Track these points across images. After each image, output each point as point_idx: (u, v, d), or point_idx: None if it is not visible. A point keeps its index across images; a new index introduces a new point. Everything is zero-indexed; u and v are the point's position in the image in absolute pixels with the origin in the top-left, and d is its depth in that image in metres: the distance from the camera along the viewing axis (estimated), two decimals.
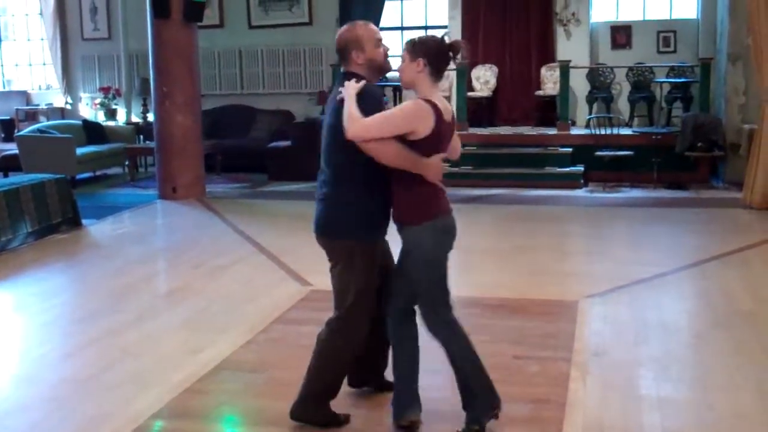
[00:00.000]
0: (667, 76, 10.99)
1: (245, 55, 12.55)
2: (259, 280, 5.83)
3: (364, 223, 3.20)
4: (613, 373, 3.95)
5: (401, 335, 3.33)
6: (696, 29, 11.28)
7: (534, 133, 10.70)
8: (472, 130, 10.52)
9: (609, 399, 3.63)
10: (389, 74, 3.52)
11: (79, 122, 12.02)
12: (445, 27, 12.15)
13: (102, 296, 5.59)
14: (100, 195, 10.05)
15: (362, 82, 3.15)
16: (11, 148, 11.04)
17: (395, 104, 9.18)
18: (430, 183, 3.14)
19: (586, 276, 5.81)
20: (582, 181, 9.78)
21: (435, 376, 3.56)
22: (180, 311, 5.15)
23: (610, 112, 10.72)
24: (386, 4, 10.82)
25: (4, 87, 14.47)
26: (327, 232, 3.27)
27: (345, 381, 3.48)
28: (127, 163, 11.44)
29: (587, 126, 10.33)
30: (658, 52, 11.44)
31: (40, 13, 13.72)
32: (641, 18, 11.74)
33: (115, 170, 11.76)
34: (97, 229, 7.95)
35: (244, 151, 11.30)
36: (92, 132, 11.66)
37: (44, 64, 14.18)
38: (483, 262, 6.35)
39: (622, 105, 11.46)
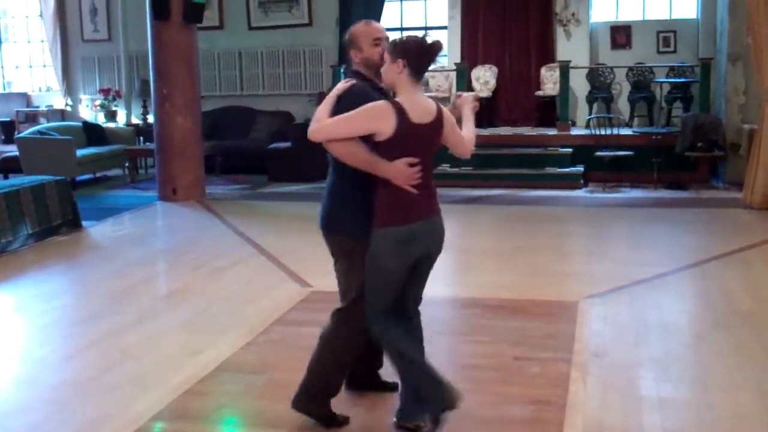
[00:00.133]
0: (667, 76, 11.00)
1: (245, 57, 12.56)
2: (259, 282, 5.83)
3: (364, 222, 3.20)
4: (614, 373, 3.94)
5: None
6: (696, 29, 11.28)
7: (534, 133, 10.70)
8: None
9: (609, 400, 3.63)
10: None
11: (80, 124, 12.04)
12: (444, 28, 12.19)
13: (102, 298, 5.59)
14: (101, 197, 10.06)
15: (350, 83, 3.19)
16: (11, 150, 11.05)
17: None
18: (400, 188, 3.07)
19: (587, 276, 5.81)
20: (582, 181, 9.78)
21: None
22: (180, 313, 5.15)
23: (610, 113, 10.73)
24: (386, 4, 10.84)
25: (4, 89, 14.48)
26: (328, 228, 3.31)
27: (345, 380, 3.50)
28: (127, 164, 11.45)
29: (587, 126, 10.33)
30: (658, 52, 11.45)
31: (40, 15, 13.73)
32: (641, 18, 11.75)
33: (116, 172, 11.77)
34: (97, 230, 7.95)
35: (244, 152, 11.30)
36: (92, 134, 11.67)
37: (44, 65, 14.19)
38: (483, 262, 6.35)
39: (622, 105, 11.46)
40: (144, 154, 11.48)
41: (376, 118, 3.04)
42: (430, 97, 3.47)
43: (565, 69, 10.38)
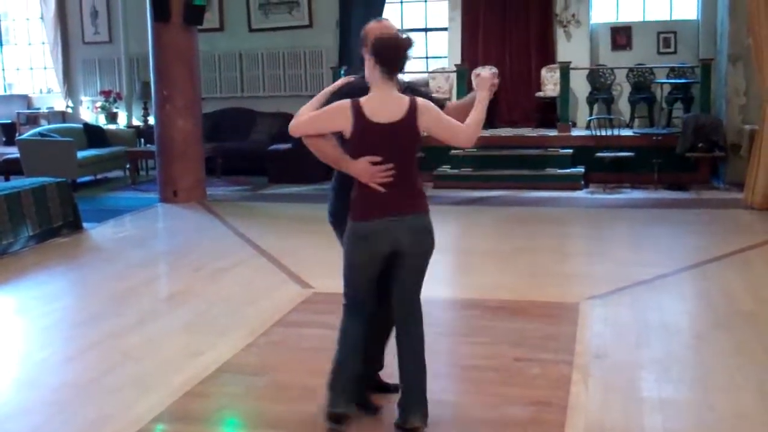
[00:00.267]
0: (668, 77, 11.00)
1: (245, 58, 12.56)
2: (259, 283, 5.83)
3: None
4: (615, 374, 3.94)
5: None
6: (696, 30, 11.28)
7: (534, 134, 10.70)
8: None
9: (610, 401, 3.63)
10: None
11: (80, 126, 12.03)
12: (445, 29, 12.20)
13: (103, 300, 5.59)
14: (101, 198, 10.06)
15: (347, 80, 3.28)
16: (12, 152, 11.04)
17: None
18: (365, 185, 3.14)
19: (587, 277, 5.81)
20: (582, 182, 9.78)
21: (438, 379, 3.57)
22: (181, 314, 5.15)
23: (611, 114, 10.72)
24: (386, 6, 10.84)
25: (5, 91, 14.48)
26: (334, 224, 3.46)
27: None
28: (128, 166, 11.44)
29: (588, 127, 10.32)
30: (659, 53, 11.44)
31: (41, 18, 13.73)
32: (641, 19, 11.75)
33: (116, 173, 11.77)
34: (98, 232, 7.96)
35: (245, 153, 11.31)
36: (93, 135, 11.67)
37: (45, 68, 14.19)
38: (483, 263, 6.35)
39: (623, 106, 11.46)
40: (145, 156, 11.48)
41: (335, 117, 3.14)
42: (432, 97, 3.47)
43: (565, 70, 10.39)
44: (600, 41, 11.71)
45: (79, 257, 7.08)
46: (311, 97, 3.36)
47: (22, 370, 4.34)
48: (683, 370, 4.05)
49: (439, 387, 3.55)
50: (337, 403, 3.25)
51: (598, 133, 9.67)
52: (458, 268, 6.44)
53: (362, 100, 3.14)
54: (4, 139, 13.72)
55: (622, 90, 11.42)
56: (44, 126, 12.36)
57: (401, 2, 12.49)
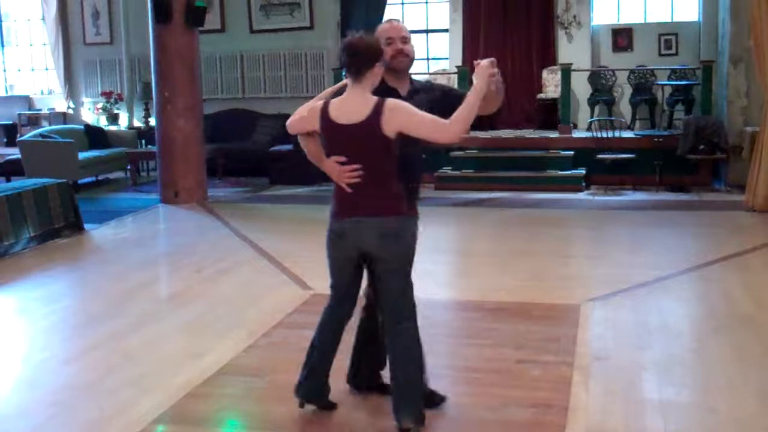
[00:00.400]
0: (669, 78, 11.00)
1: (246, 60, 12.56)
2: (260, 284, 5.83)
3: None
4: (616, 377, 3.94)
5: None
6: (697, 31, 11.29)
7: (535, 136, 10.70)
8: (473, 134, 10.46)
9: (611, 403, 3.62)
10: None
11: (81, 127, 12.05)
12: (446, 30, 12.20)
13: (104, 300, 5.59)
14: (102, 199, 10.07)
15: (345, 80, 3.28)
16: (14, 153, 11.05)
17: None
18: (338, 184, 3.22)
19: (588, 279, 5.81)
20: (583, 184, 9.78)
21: (439, 381, 3.57)
22: (181, 315, 5.15)
23: (612, 115, 10.73)
24: (387, 7, 10.84)
25: (6, 92, 14.50)
26: None
27: (345, 379, 3.61)
28: (129, 167, 11.45)
29: (589, 129, 10.32)
30: (660, 54, 11.45)
31: (43, 19, 13.74)
32: (642, 20, 11.76)
33: (117, 175, 11.78)
34: (99, 233, 7.96)
35: (246, 155, 11.31)
36: (94, 136, 11.68)
37: (46, 69, 14.20)
38: (484, 265, 6.35)
39: (624, 108, 11.47)
40: (146, 157, 11.49)
41: (310, 117, 3.24)
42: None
43: (566, 71, 10.39)
44: (601, 43, 11.72)
45: (80, 258, 7.08)
46: (312, 98, 3.38)
47: (23, 371, 4.33)
48: (684, 372, 4.04)
49: (440, 388, 3.56)
50: (297, 389, 3.45)
51: (599, 135, 9.67)
52: (459, 270, 6.43)
53: (333, 101, 3.21)
54: (5, 140, 13.75)
55: (623, 92, 11.43)
56: (45, 127, 12.38)
57: (402, 4, 12.51)
